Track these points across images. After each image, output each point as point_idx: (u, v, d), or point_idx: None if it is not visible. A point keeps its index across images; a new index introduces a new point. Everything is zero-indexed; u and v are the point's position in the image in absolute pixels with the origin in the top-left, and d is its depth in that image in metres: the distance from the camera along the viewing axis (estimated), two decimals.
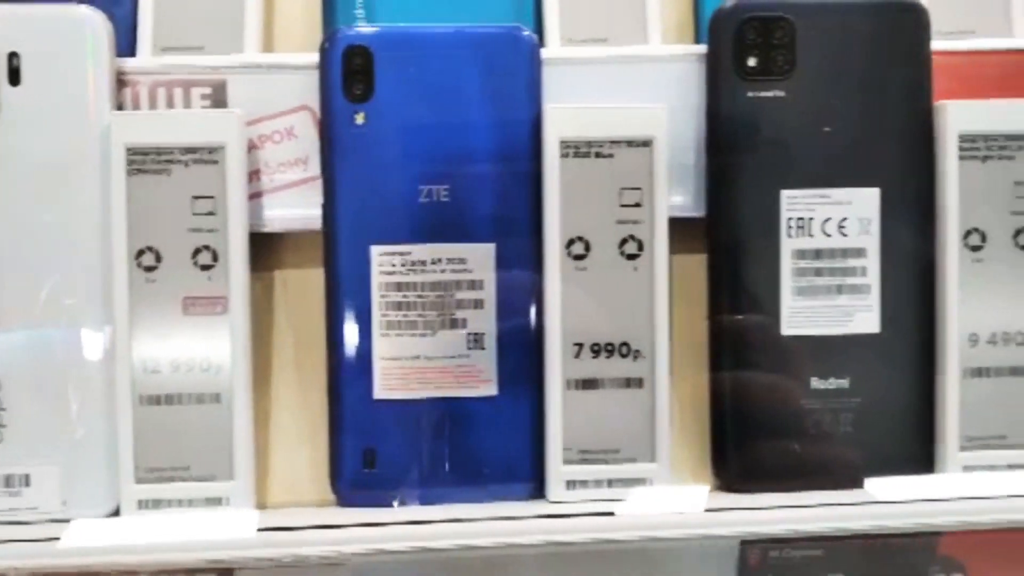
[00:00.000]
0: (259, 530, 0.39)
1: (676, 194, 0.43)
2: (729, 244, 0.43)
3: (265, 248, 0.44)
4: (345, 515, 0.41)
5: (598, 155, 0.42)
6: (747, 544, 0.40)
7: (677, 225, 0.43)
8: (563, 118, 0.42)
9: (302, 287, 0.44)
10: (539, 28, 0.46)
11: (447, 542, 0.39)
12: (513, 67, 0.42)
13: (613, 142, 0.42)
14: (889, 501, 0.41)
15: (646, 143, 0.42)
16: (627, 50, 0.44)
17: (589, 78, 0.43)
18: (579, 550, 0.41)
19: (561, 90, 0.43)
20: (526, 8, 0.46)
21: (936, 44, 0.44)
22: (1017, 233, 0.43)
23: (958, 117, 0.42)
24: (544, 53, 0.43)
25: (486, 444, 0.42)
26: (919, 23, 0.43)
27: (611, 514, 0.41)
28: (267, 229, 0.43)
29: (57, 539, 0.39)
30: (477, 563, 0.40)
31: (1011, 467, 0.43)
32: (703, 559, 0.41)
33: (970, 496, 0.42)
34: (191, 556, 0.39)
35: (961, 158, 0.43)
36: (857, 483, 0.42)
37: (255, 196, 0.43)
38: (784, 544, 0.41)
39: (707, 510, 0.41)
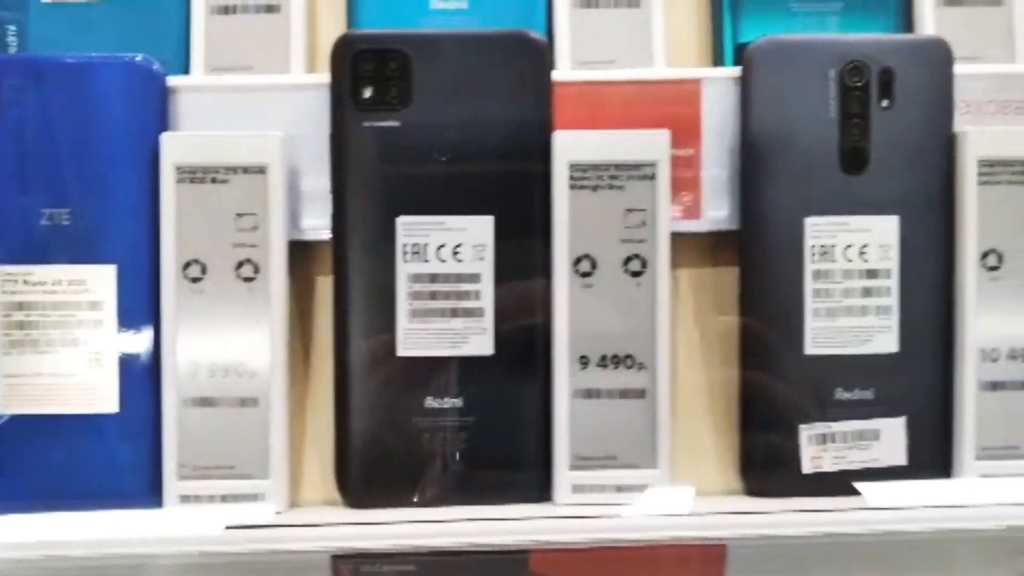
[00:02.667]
0: None
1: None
2: (350, 267, 0.44)
3: None
4: None
5: (214, 181, 0.43)
6: (339, 558, 0.42)
7: None
8: (177, 145, 0.43)
9: None
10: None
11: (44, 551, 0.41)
12: (139, 96, 0.44)
13: (228, 168, 0.43)
14: (488, 519, 0.43)
15: (261, 170, 0.43)
16: (258, 79, 0.46)
17: (229, 106, 0.45)
18: (190, 562, 0.42)
19: (201, 118, 0.45)
20: (177, 38, 0.47)
21: (570, 74, 0.46)
22: (627, 260, 0.44)
23: (569, 147, 0.44)
24: (179, 82, 0.45)
25: (108, 459, 0.44)
26: (537, 55, 0.45)
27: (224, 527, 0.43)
28: None
29: None
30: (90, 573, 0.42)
31: (619, 489, 0.44)
32: (305, 572, 0.43)
33: (573, 516, 0.43)
34: None
35: (572, 187, 0.44)
36: (470, 500, 0.44)
37: None
38: (376, 559, 0.42)
39: (307, 525, 0.42)
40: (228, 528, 0.42)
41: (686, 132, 0.46)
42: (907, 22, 0.49)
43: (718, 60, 0.49)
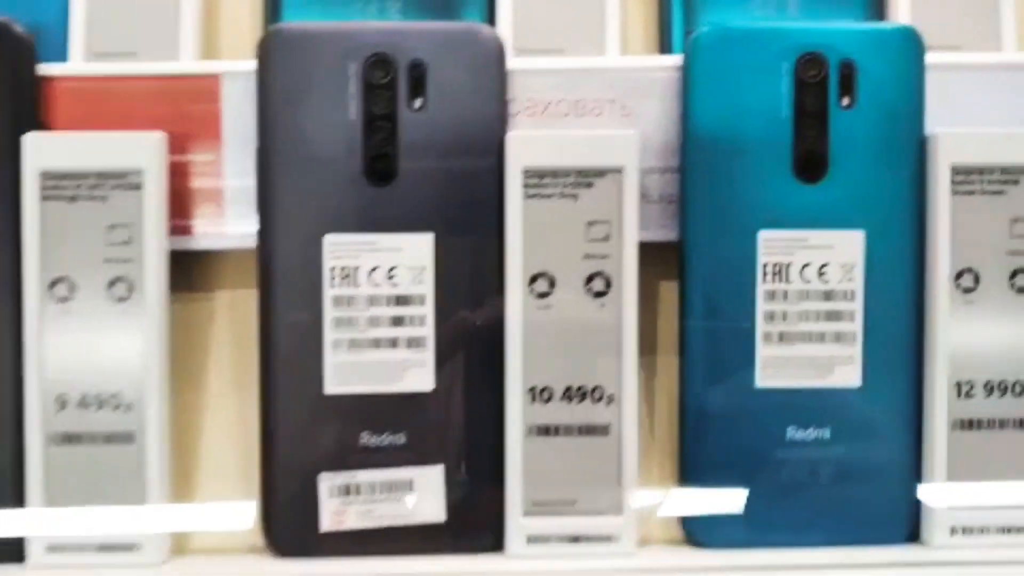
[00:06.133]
0: None
1: None
2: None
3: None
4: None
5: None
6: None
7: None
8: None
9: None
10: None
11: None
12: None
13: None
14: None
15: None
16: None
17: None
18: None
19: None
20: None
21: (68, 68, 0.41)
22: (111, 284, 0.38)
23: (40, 152, 0.38)
24: None
25: None
26: (16, 47, 0.39)
27: None
28: None
29: None
30: None
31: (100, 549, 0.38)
32: None
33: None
34: None
35: (45, 198, 0.38)
36: None
37: None
38: None
39: None
40: None
41: (207, 134, 0.40)
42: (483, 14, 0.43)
43: None
